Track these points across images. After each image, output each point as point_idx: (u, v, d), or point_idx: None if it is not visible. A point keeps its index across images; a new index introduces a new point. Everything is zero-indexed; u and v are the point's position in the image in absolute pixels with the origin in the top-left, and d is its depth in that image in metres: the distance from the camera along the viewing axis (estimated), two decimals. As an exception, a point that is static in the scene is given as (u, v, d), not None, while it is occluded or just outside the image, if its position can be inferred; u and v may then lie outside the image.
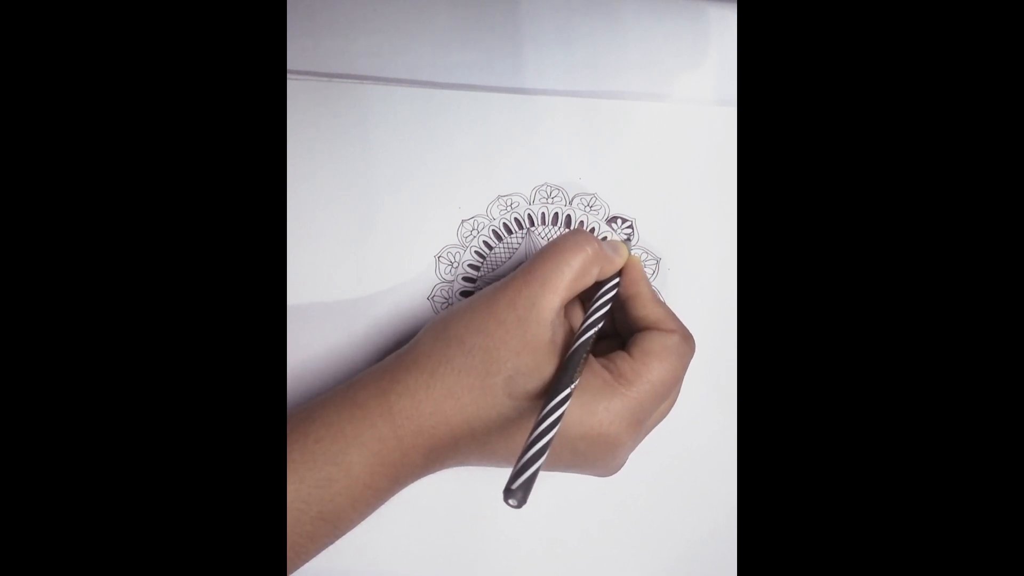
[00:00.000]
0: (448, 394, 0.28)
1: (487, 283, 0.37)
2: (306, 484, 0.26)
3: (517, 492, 0.24)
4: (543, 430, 0.25)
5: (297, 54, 0.39)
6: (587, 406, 0.28)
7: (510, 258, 0.38)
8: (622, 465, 0.31)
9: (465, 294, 0.37)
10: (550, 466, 0.30)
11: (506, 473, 0.25)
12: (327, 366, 0.36)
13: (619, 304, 0.33)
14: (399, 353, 0.31)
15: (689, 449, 0.36)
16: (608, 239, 0.38)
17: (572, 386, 0.27)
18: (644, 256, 0.38)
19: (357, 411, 0.28)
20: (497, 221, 0.38)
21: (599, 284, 0.32)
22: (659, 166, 0.39)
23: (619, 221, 0.39)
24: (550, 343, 0.29)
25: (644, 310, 0.32)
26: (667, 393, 0.30)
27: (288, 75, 0.38)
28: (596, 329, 0.30)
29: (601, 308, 0.31)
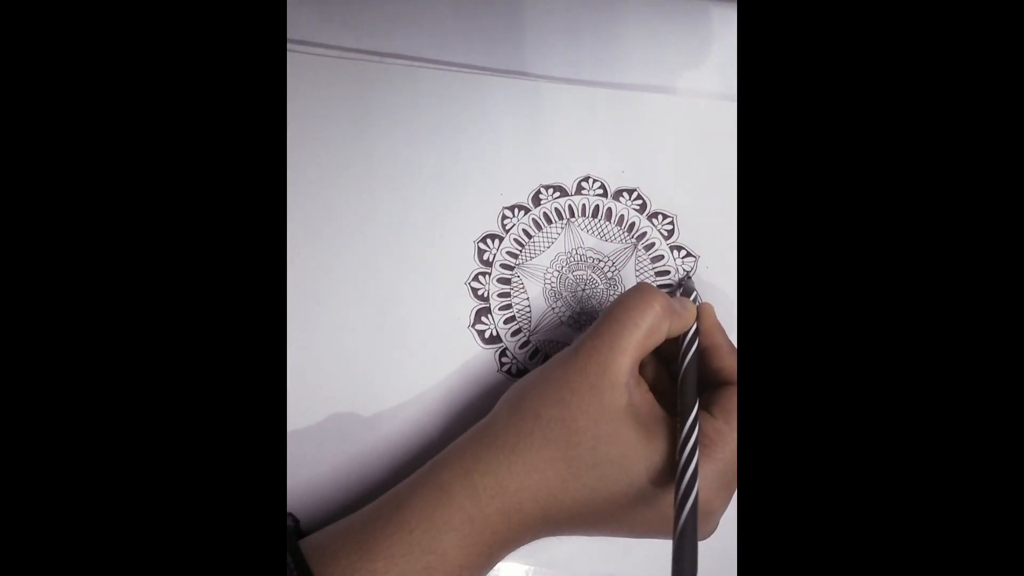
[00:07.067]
0: (531, 469, 0.28)
1: (525, 270, 0.38)
2: None
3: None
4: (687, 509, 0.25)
5: (336, 31, 0.41)
6: None
7: (549, 247, 0.38)
8: (714, 529, 0.30)
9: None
10: (647, 535, 0.30)
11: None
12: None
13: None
14: (477, 428, 0.30)
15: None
16: (674, 293, 0.37)
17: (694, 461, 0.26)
18: (683, 255, 0.38)
19: (443, 495, 0.28)
20: (538, 210, 0.39)
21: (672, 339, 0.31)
22: (702, 162, 0.39)
23: (660, 217, 0.38)
24: (627, 407, 0.28)
25: (722, 362, 0.30)
26: None
27: (311, 53, 0.40)
28: (697, 404, 0.29)
29: (688, 368, 0.30)
